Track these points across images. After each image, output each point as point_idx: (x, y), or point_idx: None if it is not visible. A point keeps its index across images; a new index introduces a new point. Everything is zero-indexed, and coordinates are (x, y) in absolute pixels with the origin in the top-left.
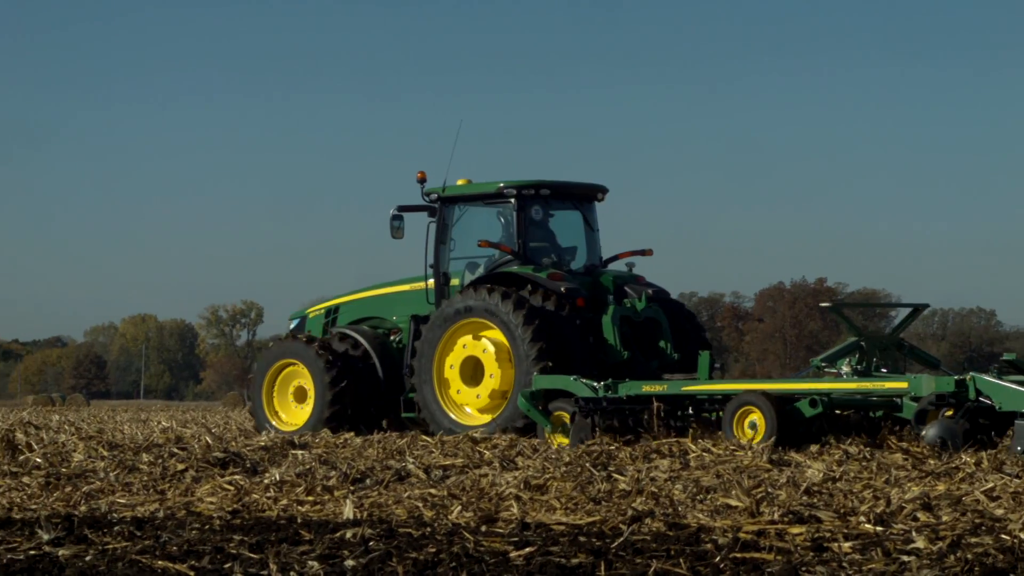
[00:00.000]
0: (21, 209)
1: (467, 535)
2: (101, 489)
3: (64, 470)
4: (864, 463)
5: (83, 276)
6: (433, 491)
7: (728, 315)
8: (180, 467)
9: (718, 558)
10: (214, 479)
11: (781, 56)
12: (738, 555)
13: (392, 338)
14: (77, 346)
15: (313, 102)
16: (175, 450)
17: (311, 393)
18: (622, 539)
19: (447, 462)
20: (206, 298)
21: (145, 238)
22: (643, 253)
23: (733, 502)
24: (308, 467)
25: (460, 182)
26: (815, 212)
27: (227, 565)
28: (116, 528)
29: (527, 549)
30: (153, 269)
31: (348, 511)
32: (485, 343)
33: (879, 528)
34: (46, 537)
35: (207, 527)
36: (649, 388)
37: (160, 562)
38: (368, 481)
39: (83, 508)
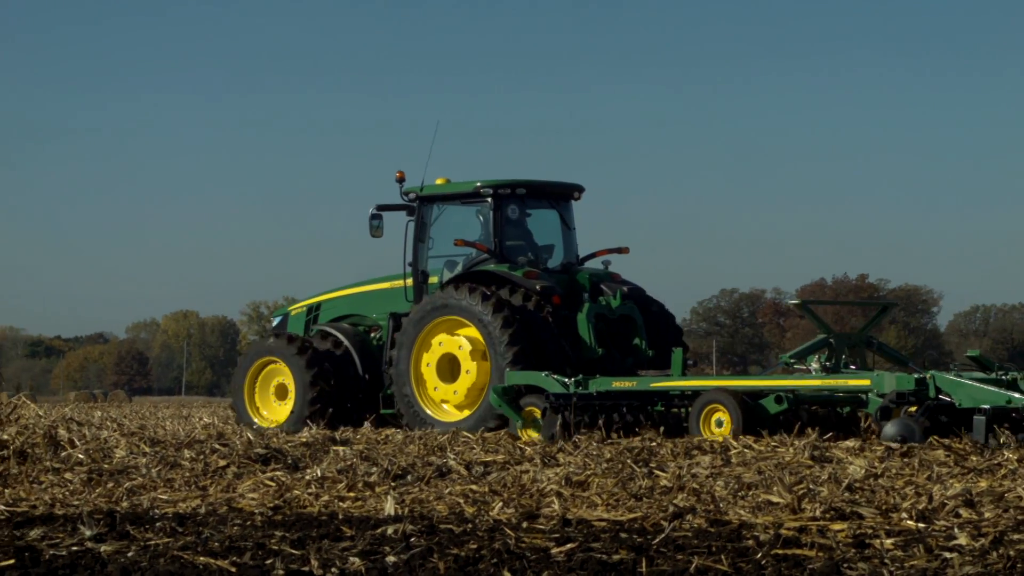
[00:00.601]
0: (62, 206)
1: (508, 531)
2: (143, 485)
3: (106, 466)
4: (906, 460)
5: (125, 272)
6: (474, 487)
7: (769, 311)
8: (222, 463)
9: (759, 554)
10: (255, 475)
11: (821, 43)
12: (780, 551)
13: (372, 335)
14: (119, 342)
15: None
16: (217, 446)
17: (292, 390)
18: (663, 535)
19: (488, 458)
20: (247, 294)
21: (187, 234)
22: (620, 251)
23: (775, 498)
24: (349, 463)
25: (439, 181)
26: (857, 208)
27: (268, 561)
28: (158, 524)
29: (568, 545)
30: (195, 265)
31: (389, 507)
32: (461, 340)
33: (921, 525)
34: (88, 533)
35: (248, 523)
36: (619, 384)
37: (202, 558)
38: (409, 477)
39: (125, 504)
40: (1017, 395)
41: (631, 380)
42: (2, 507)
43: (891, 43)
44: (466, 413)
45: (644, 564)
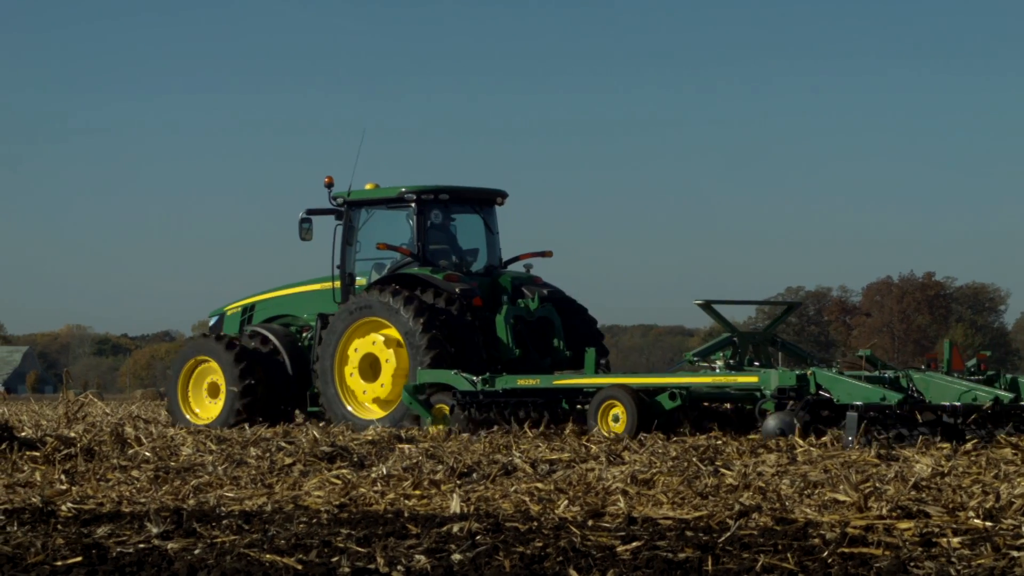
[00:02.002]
0: (132, 206)
1: (574, 529)
2: (209, 483)
3: (173, 464)
4: (973, 458)
5: (191, 270)
6: (540, 485)
7: (836, 309)
8: (288, 461)
9: (826, 553)
10: (321, 473)
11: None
12: (846, 550)
13: (304, 335)
14: (185, 340)
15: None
16: (283, 444)
17: (223, 389)
18: (729, 534)
19: (553, 456)
20: None
21: (252, 232)
22: (543, 255)
23: (841, 497)
24: (415, 461)
25: (369, 186)
26: (924, 206)
27: (334, 559)
28: (224, 522)
29: (634, 543)
30: (259, 263)
31: (455, 505)
32: (382, 341)
33: (988, 523)
34: (155, 530)
35: (315, 521)
36: (523, 382)
37: (268, 555)
38: (475, 475)
39: (191, 502)
40: (892, 392)
41: (535, 378)
42: (70, 504)
43: (955, 38)
44: (386, 411)
45: (710, 562)
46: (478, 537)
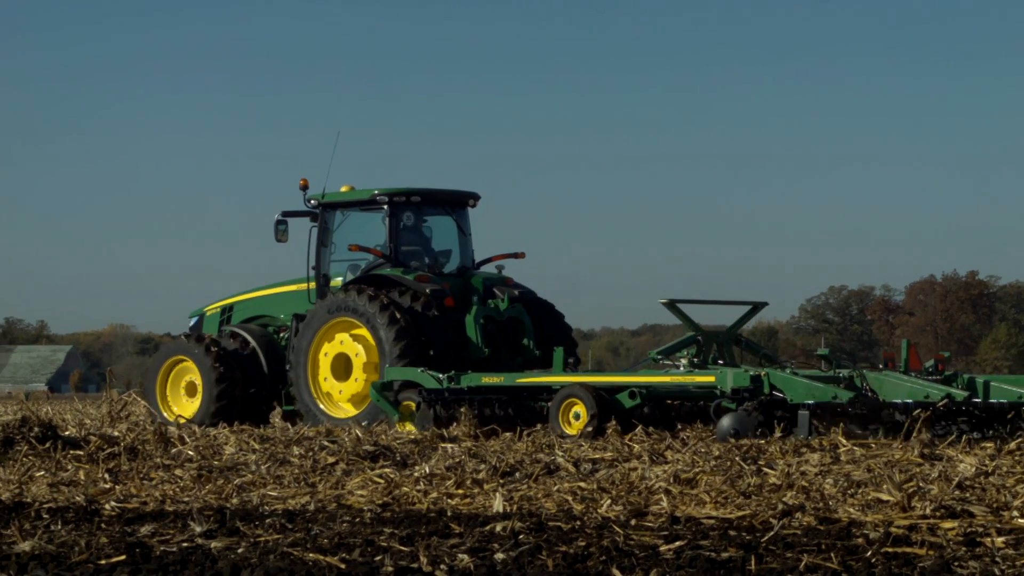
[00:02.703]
0: (171, 206)
1: (617, 528)
2: (252, 482)
3: (216, 463)
4: (1017, 458)
5: (235, 269)
6: (583, 484)
7: (878, 308)
8: (331, 460)
9: (869, 552)
10: (364, 472)
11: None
12: (889, 550)
13: (281, 335)
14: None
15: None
16: (325, 443)
17: (200, 388)
18: (772, 533)
19: (596, 456)
20: None
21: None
22: (515, 256)
23: (884, 496)
24: (458, 460)
25: (344, 188)
26: (968, 205)
27: (378, 558)
28: (267, 520)
29: (677, 543)
30: (301, 262)
31: (498, 504)
32: (354, 340)
33: None
34: (198, 529)
35: (358, 520)
36: (487, 380)
37: (311, 554)
38: (518, 474)
39: (235, 501)
40: (843, 391)
41: (499, 376)
42: (113, 503)
43: (998, 32)
44: (358, 409)
45: (753, 562)
46: (521, 536)
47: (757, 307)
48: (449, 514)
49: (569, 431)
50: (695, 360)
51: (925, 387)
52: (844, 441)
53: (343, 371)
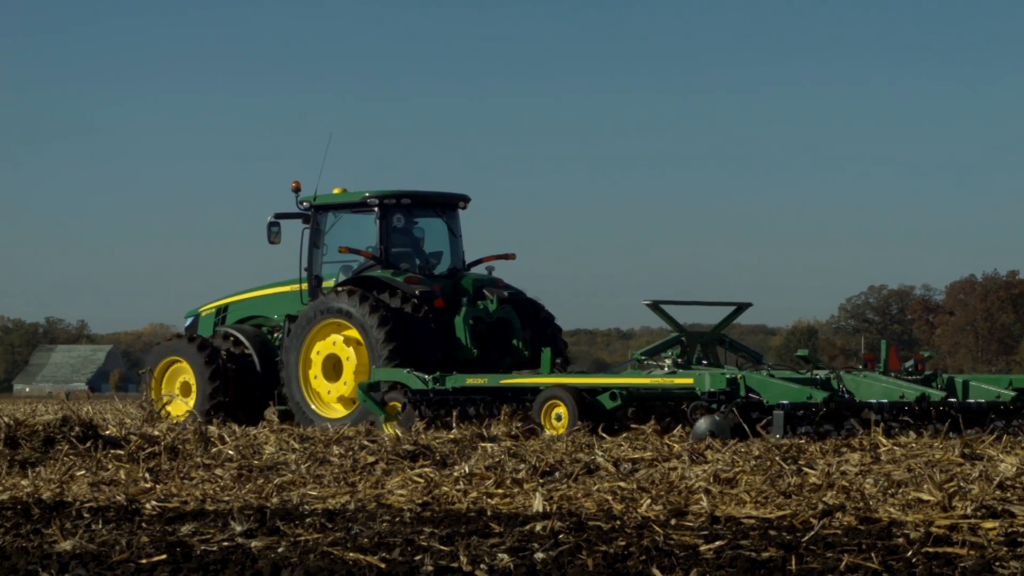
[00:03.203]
0: (209, 205)
1: (657, 528)
2: (292, 481)
3: (256, 462)
4: None
5: (274, 269)
6: (622, 484)
7: (918, 308)
8: (370, 459)
9: (910, 552)
10: (404, 471)
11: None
12: (930, 550)
13: (274, 335)
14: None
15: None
16: (365, 443)
17: (194, 388)
18: (813, 533)
19: (636, 455)
20: None
21: None
22: (506, 257)
23: (925, 496)
24: (497, 460)
25: (336, 191)
26: (1009, 203)
27: (418, 557)
28: (308, 520)
29: (717, 543)
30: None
31: (538, 504)
32: (343, 341)
33: None
34: (239, 528)
35: (397, 519)
36: (472, 381)
37: (351, 554)
38: (557, 474)
39: (275, 500)
40: (818, 392)
41: (483, 377)
42: (154, 503)
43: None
44: (348, 410)
45: (794, 562)
46: (561, 536)
47: (741, 308)
48: (489, 513)
49: (552, 432)
50: (679, 361)
51: (900, 387)
52: (884, 441)
53: (333, 372)
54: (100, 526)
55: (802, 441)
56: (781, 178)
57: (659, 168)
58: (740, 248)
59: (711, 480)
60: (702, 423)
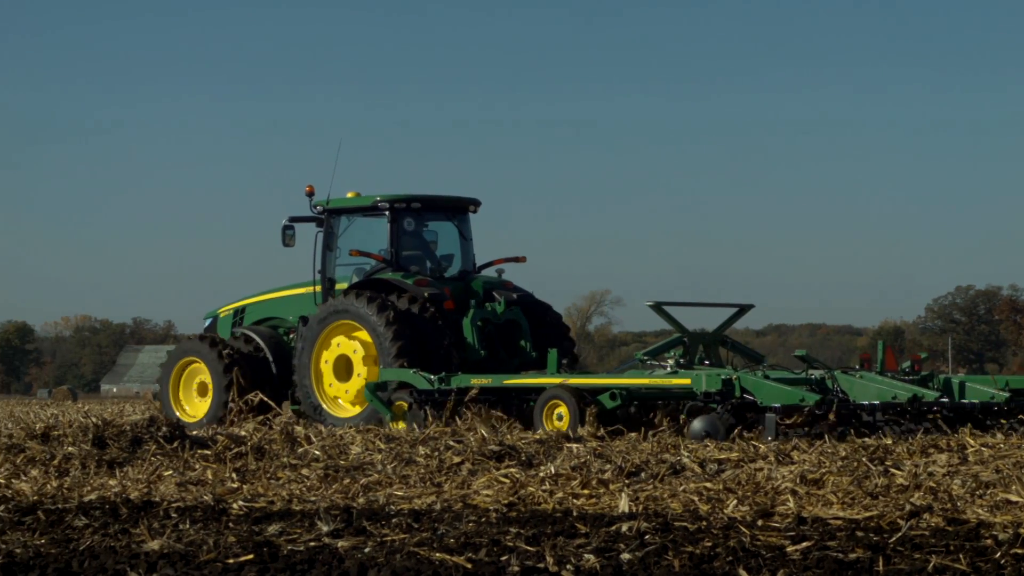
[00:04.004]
0: (277, 206)
1: (743, 529)
2: (379, 481)
3: (342, 462)
4: None
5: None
6: (708, 485)
7: (1006, 308)
8: (456, 460)
9: (999, 554)
10: (490, 472)
11: None
12: (1019, 551)
13: (290, 336)
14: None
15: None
16: (451, 443)
17: (211, 388)
18: (900, 534)
19: (722, 456)
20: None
21: None
22: (516, 260)
23: (1013, 497)
24: (583, 460)
25: (350, 194)
26: None
27: (504, 557)
28: (394, 520)
29: (804, 544)
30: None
31: (623, 504)
32: (355, 342)
33: None
34: (325, 528)
35: (484, 519)
36: (476, 381)
37: (437, 554)
38: (643, 475)
39: (361, 500)
40: (810, 394)
41: (487, 377)
42: (241, 503)
43: None
44: (359, 409)
45: (881, 563)
46: (647, 536)
47: (743, 309)
48: (575, 514)
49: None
50: (681, 361)
51: (893, 388)
52: (972, 442)
53: (344, 372)
54: (187, 526)
55: (889, 441)
56: (869, 178)
57: (751, 167)
58: (829, 248)
59: (797, 481)
60: (697, 423)
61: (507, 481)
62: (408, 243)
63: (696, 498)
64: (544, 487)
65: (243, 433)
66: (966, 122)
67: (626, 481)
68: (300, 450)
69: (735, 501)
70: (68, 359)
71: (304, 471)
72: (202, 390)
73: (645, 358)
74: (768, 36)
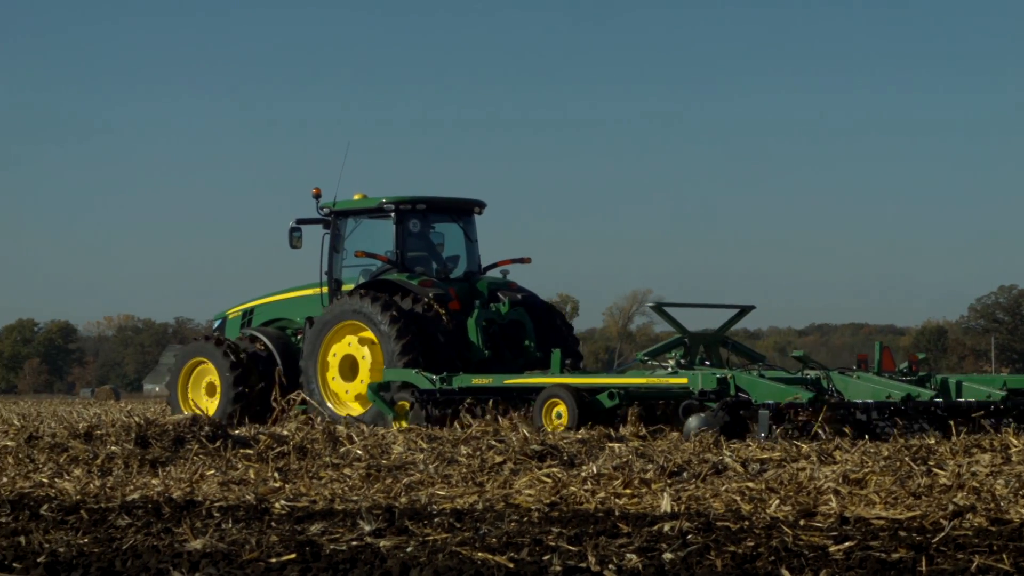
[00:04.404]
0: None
1: (785, 529)
2: (421, 481)
3: (384, 462)
4: None
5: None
6: (751, 484)
7: None
8: (498, 459)
9: None
10: (532, 471)
11: None
12: None
13: (298, 337)
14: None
15: None
16: (493, 442)
17: (219, 388)
18: (943, 534)
19: (764, 456)
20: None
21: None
22: (521, 261)
23: None
24: (625, 460)
25: (357, 196)
26: None
27: (546, 557)
28: (436, 519)
29: (846, 543)
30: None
31: (665, 504)
32: (359, 342)
33: None
34: (368, 528)
35: (525, 519)
36: (477, 381)
37: (480, 553)
38: (685, 474)
39: (403, 500)
40: (804, 392)
41: (488, 377)
42: (283, 502)
43: None
44: (364, 409)
45: (924, 563)
46: (689, 536)
47: (744, 310)
48: (617, 514)
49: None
50: (682, 361)
51: (887, 388)
52: (1015, 441)
53: (350, 372)
54: (230, 525)
55: (932, 442)
56: (914, 177)
57: (794, 167)
58: (874, 247)
59: (840, 481)
60: (692, 421)
61: (549, 481)
62: (413, 244)
63: (738, 498)
64: (586, 487)
65: (285, 432)
66: (1009, 121)
67: (668, 481)
68: (342, 449)
69: (777, 501)
70: (111, 358)
71: (346, 470)
72: (210, 390)
73: (646, 358)
74: (799, 36)
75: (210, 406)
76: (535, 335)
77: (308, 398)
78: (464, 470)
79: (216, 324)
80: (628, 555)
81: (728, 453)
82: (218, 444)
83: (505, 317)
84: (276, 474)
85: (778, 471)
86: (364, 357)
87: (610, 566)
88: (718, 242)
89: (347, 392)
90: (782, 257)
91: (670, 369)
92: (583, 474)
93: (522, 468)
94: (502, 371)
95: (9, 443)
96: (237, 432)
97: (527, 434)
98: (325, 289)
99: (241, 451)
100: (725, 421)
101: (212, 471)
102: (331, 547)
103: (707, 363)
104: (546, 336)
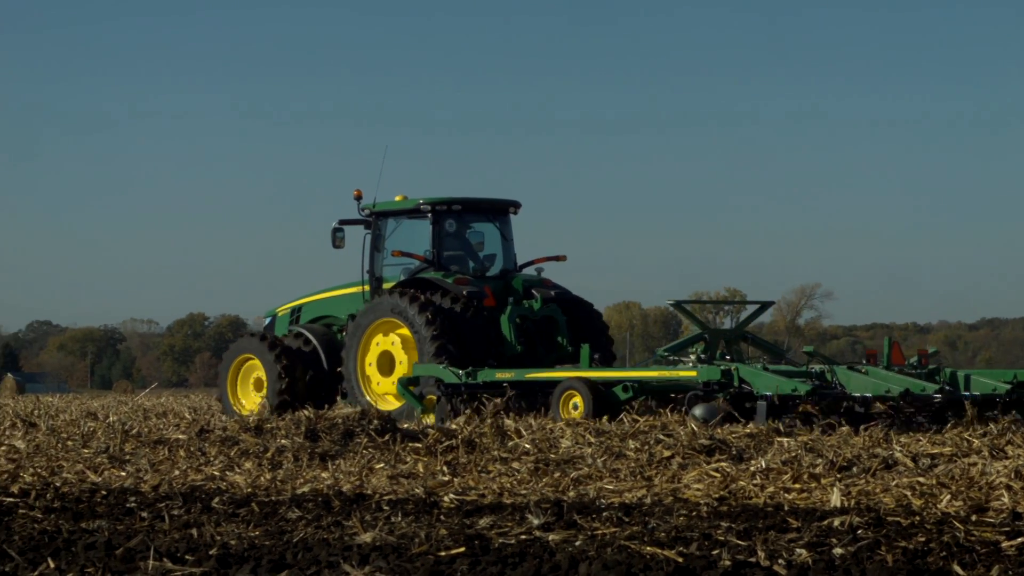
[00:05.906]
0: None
1: (957, 524)
2: (589, 475)
3: (552, 456)
4: None
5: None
6: (921, 480)
7: None
8: (666, 454)
9: None
10: (700, 466)
11: None
12: None
13: (342, 334)
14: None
15: None
16: (661, 437)
17: (267, 383)
18: None
19: (935, 451)
20: (691, 285)
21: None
22: (557, 259)
23: None
24: (794, 455)
25: (397, 198)
26: None
27: (715, 551)
28: (604, 514)
29: (1019, 539)
30: (638, 255)
31: (835, 499)
32: (396, 339)
33: None
34: (536, 522)
35: (694, 513)
36: (501, 375)
37: (648, 548)
38: (855, 469)
39: (571, 493)
40: (803, 384)
41: (511, 371)
42: (452, 496)
43: None
44: (401, 403)
45: None
46: (859, 531)
47: (764, 306)
48: (786, 508)
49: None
50: (703, 356)
51: (887, 382)
52: None
53: (388, 367)
54: (399, 518)
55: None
56: (996, 174)
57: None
58: (972, 243)
59: (1012, 476)
60: (697, 410)
61: (718, 475)
62: (450, 244)
63: (909, 493)
64: (755, 481)
65: (453, 427)
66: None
67: (837, 475)
68: (510, 443)
69: (948, 496)
70: None
71: (515, 464)
72: (258, 385)
73: (666, 353)
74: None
75: (258, 400)
76: (568, 331)
77: (348, 392)
78: (632, 464)
79: (267, 321)
80: (798, 550)
81: (898, 448)
82: (387, 438)
83: (538, 313)
84: (445, 468)
85: (949, 466)
86: (400, 355)
87: (780, 561)
88: (892, 240)
89: (387, 386)
90: (950, 251)
91: (691, 364)
92: (752, 468)
93: (690, 462)
94: (533, 366)
95: (181, 436)
96: (406, 426)
97: (695, 429)
98: (367, 287)
99: (410, 445)
100: (727, 410)
101: (381, 464)
102: (500, 541)
103: (728, 358)
104: (579, 332)
